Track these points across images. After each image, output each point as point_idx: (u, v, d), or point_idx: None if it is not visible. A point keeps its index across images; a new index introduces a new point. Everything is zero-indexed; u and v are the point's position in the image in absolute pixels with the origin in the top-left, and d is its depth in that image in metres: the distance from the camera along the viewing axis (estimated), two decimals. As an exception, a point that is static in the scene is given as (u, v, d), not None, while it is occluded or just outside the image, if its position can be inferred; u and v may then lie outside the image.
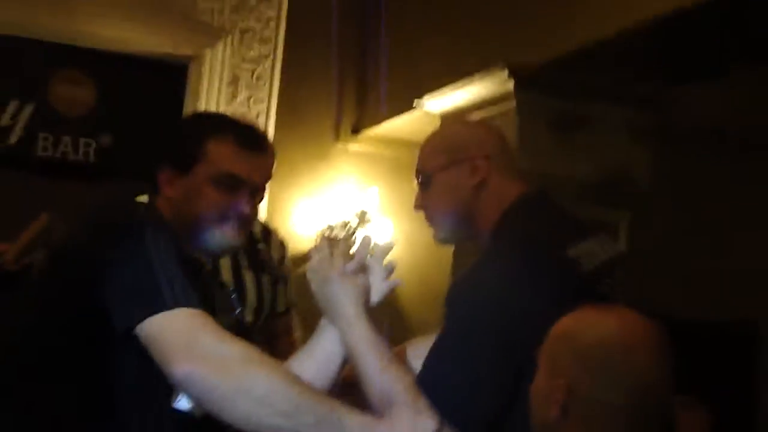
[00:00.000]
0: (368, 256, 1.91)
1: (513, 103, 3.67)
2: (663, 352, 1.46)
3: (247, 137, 1.92)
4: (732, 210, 5.28)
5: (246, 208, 1.89)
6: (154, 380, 1.74)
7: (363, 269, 1.88)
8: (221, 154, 1.88)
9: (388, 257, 1.97)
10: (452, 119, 4.05)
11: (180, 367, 1.59)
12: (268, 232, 2.88)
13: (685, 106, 3.85)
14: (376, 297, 1.90)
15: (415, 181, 2.04)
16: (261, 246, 2.74)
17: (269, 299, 2.73)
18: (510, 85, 3.65)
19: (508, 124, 3.64)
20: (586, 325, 1.48)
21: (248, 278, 2.72)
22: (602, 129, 3.74)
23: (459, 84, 3.90)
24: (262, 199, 1.96)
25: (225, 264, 2.70)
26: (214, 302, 1.81)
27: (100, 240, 1.72)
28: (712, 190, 5.24)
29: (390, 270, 1.92)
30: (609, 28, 3.15)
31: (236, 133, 1.91)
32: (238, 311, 2.17)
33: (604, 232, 1.95)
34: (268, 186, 1.98)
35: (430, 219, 2.02)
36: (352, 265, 1.87)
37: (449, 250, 2.51)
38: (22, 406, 1.73)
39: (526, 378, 1.61)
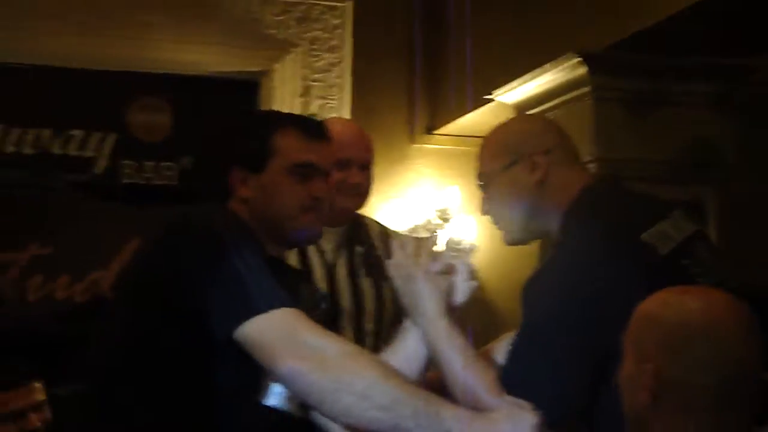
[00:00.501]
0: (452, 256, 1.92)
1: (587, 88, 3.63)
2: (750, 329, 1.43)
3: (310, 127, 1.99)
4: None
5: (323, 192, 1.94)
6: (248, 380, 1.80)
7: (447, 270, 1.89)
8: (291, 146, 1.94)
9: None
10: (527, 109, 4.02)
11: (282, 364, 1.63)
12: (386, 235, 2.85)
13: (763, 75, 3.75)
14: (460, 297, 1.91)
15: (478, 186, 2.02)
16: (379, 252, 2.73)
17: (390, 306, 2.72)
18: (582, 70, 3.61)
19: (584, 110, 3.61)
20: (669, 307, 1.46)
21: (366, 285, 2.70)
22: (680, 106, 3.67)
23: (532, 74, 3.87)
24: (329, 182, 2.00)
25: (341, 271, 2.69)
26: (298, 299, 1.84)
27: (184, 250, 1.75)
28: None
29: (471, 270, 1.92)
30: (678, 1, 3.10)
31: (298, 124, 1.98)
32: (322, 307, 2.19)
33: (678, 210, 1.91)
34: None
35: (497, 222, 2.01)
36: (437, 265, 1.89)
37: (535, 244, 2.50)
38: (121, 416, 1.76)
39: (612, 366, 1.60)
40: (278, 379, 1.67)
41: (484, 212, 2.03)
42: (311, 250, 2.70)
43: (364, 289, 2.70)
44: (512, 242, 2.03)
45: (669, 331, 1.43)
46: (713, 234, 3.70)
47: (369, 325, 2.66)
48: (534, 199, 1.93)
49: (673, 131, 3.65)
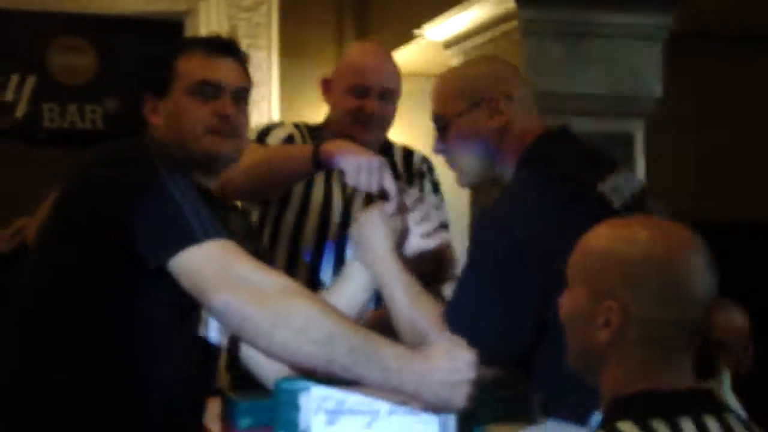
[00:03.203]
0: (412, 208, 1.93)
1: (516, 22, 3.61)
2: (706, 256, 1.42)
3: (213, 44, 1.94)
4: (747, 108, 5.23)
5: (228, 110, 1.88)
6: (180, 311, 1.76)
7: (401, 210, 1.91)
8: (191, 66, 1.89)
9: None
10: (455, 45, 3.99)
11: (217, 298, 1.60)
12: (413, 165, 2.73)
13: (694, 7, 3.77)
14: (409, 251, 1.94)
15: (433, 125, 1.98)
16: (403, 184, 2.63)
17: None
18: (510, 3, 3.58)
19: (514, 44, 3.59)
20: (627, 242, 1.42)
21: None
22: (610, 38, 3.67)
23: (458, 8, 3.83)
24: (246, 106, 1.95)
25: (358, 203, 2.60)
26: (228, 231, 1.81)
27: (113, 179, 1.70)
28: (725, 91, 5.19)
29: (428, 231, 1.94)
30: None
31: (202, 44, 1.94)
32: (253, 242, 2.15)
33: (627, 167, 1.91)
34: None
35: (451, 163, 1.98)
36: (390, 206, 1.90)
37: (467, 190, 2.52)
38: (51, 347, 1.74)
39: (554, 309, 1.59)
40: (212, 313, 1.64)
41: (437, 152, 1.99)
42: (334, 179, 2.62)
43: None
44: (466, 184, 2.01)
45: (632, 266, 1.39)
46: (641, 166, 3.74)
47: None
48: (491, 144, 1.90)
49: (604, 64, 3.66)
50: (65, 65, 4.65)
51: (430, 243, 1.97)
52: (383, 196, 1.97)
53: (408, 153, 2.78)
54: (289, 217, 2.62)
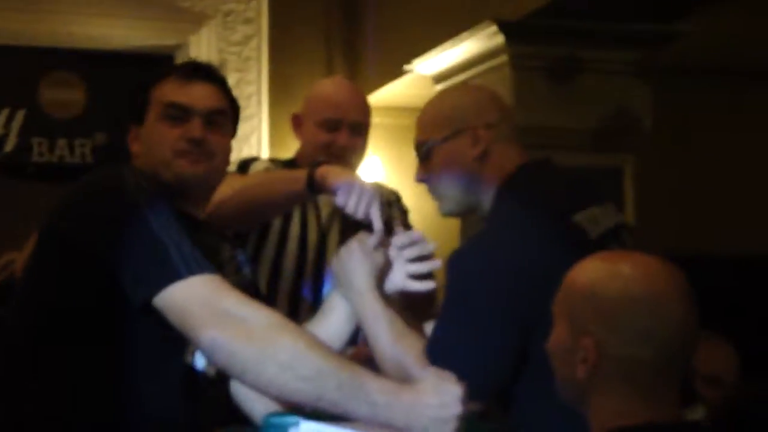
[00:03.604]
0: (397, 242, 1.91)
1: (505, 57, 3.63)
2: (689, 296, 1.42)
3: (186, 69, 1.95)
4: (735, 144, 5.26)
5: (196, 133, 1.88)
6: (166, 341, 1.74)
7: (383, 245, 1.89)
8: (163, 91, 1.91)
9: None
10: (445, 80, 4.01)
11: (204, 333, 1.58)
12: (388, 202, 2.73)
13: (682, 42, 3.80)
14: (390, 288, 1.90)
15: (415, 153, 1.99)
16: None
17: None
18: (500, 38, 3.60)
19: (503, 78, 3.61)
20: (607, 278, 1.42)
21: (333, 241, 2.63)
22: (599, 74, 3.69)
23: (448, 44, 3.86)
24: (222, 128, 1.94)
25: (333, 238, 2.61)
26: (219, 262, 1.79)
27: (92, 215, 1.68)
28: (715, 126, 5.22)
29: (416, 272, 1.90)
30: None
31: (176, 70, 1.95)
32: (245, 272, 2.13)
33: (609, 200, 1.91)
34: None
35: (433, 191, 1.98)
36: (372, 240, 1.87)
37: (457, 219, 2.52)
38: (35, 381, 1.72)
39: (536, 340, 1.59)
40: (199, 349, 1.63)
41: (419, 179, 1.99)
42: (310, 212, 2.62)
43: (328, 246, 2.63)
44: (447, 213, 2.01)
45: (609, 305, 1.40)
46: (630, 201, 3.75)
47: None
48: (471, 173, 1.91)
49: (593, 99, 3.67)
50: (55, 99, 4.65)
51: (418, 286, 1.92)
52: (367, 225, 1.95)
53: (377, 185, 2.77)
54: (268, 252, 2.62)
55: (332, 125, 2.58)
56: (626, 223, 1.94)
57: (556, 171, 1.95)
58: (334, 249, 2.59)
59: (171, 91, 1.90)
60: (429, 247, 1.93)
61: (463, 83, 3.74)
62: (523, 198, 1.83)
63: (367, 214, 1.97)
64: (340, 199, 2.02)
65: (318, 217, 2.64)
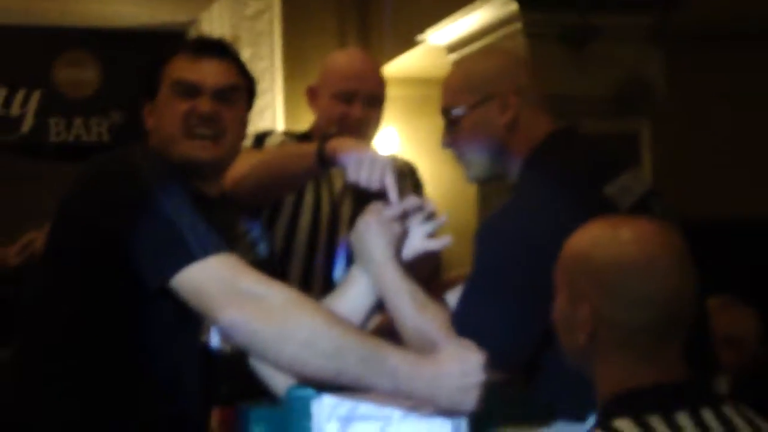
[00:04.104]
0: (411, 209, 1.90)
1: (519, 25, 3.61)
2: (683, 259, 1.41)
3: (196, 45, 1.95)
4: (751, 108, 5.22)
5: (204, 108, 1.87)
6: (185, 322, 1.75)
7: (402, 216, 1.87)
8: (174, 67, 1.90)
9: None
10: (459, 50, 4.00)
11: (223, 314, 1.58)
12: (402, 174, 2.67)
13: (697, 6, 3.77)
14: (409, 253, 1.89)
15: (443, 118, 1.96)
16: None
17: None
18: (513, 6, 3.58)
19: (517, 46, 3.59)
20: (600, 244, 1.43)
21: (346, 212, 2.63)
22: (612, 39, 3.67)
23: (461, 13, 3.84)
24: (234, 104, 1.93)
25: (345, 211, 2.61)
26: (234, 240, 1.80)
27: (106, 199, 1.69)
28: (731, 89, 5.18)
29: (432, 232, 1.90)
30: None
31: (188, 46, 1.95)
32: (260, 249, 2.13)
33: (636, 166, 1.90)
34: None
35: (460, 157, 1.96)
36: (390, 211, 1.86)
37: (473, 186, 2.51)
38: (52, 362, 1.74)
39: None
40: (219, 330, 1.64)
41: (445, 145, 1.97)
42: (324, 185, 2.61)
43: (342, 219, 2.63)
44: (474, 179, 2.00)
45: (602, 270, 1.40)
46: (647, 166, 3.74)
47: None
48: (501, 139, 1.89)
49: (607, 65, 3.66)
50: (70, 79, 4.65)
51: (434, 244, 1.91)
52: (382, 195, 1.94)
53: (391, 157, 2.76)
54: (281, 226, 2.62)
55: (347, 97, 2.57)
56: (654, 188, 1.92)
57: (581, 140, 1.94)
58: (347, 222, 2.60)
59: (180, 68, 1.90)
60: (429, 207, 1.91)
61: (489, 48, 3.71)
62: (553, 169, 1.82)
63: (382, 186, 1.96)
64: (351, 173, 2.00)
65: (331, 190, 2.63)
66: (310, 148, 2.19)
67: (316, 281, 2.61)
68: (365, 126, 2.60)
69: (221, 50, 1.95)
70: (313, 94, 2.69)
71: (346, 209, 2.63)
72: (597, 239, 1.44)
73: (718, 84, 5.15)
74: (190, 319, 1.72)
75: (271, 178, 2.33)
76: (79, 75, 4.67)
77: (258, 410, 1.83)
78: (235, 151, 1.97)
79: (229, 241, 1.70)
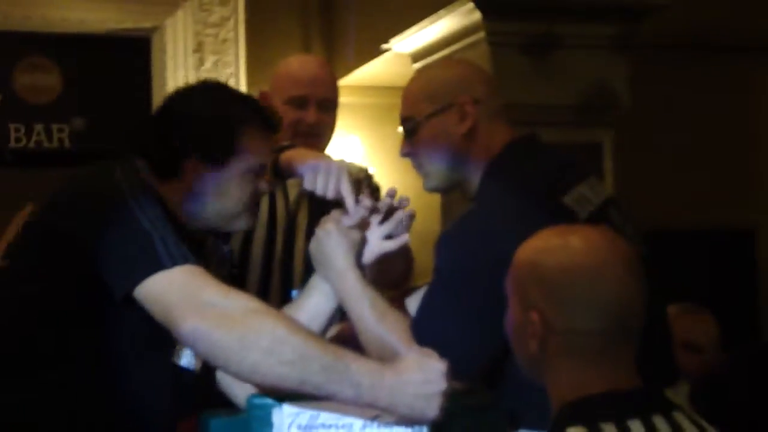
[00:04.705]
0: (367, 213, 1.90)
1: (482, 34, 3.63)
2: (631, 266, 1.42)
3: (270, 121, 1.90)
4: (711, 119, 5.28)
5: (266, 189, 1.91)
6: (153, 341, 1.75)
7: (360, 225, 1.87)
8: (255, 147, 1.85)
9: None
10: (423, 58, 4.01)
11: (185, 323, 1.58)
12: (358, 181, 2.61)
13: (661, 17, 3.80)
14: (369, 256, 1.89)
15: (401, 128, 1.96)
16: None
17: None
18: (476, 15, 3.60)
19: (481, 55, 3.60)
20: (549, 251, 1.43)
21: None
22: (576, 49, 3.69)
23: (426, 21, 3.85)
24: None
25: (302, 222, 2.58)
26: (205, 258, 1.80)
27: (81, 208, 1.70)
28: (692, 101, 5.24)
29: (388, 231, 1.90)
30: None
31: (262, 119, 1.88)
32: (228, 268, 2.11)
33: (593, 174, 1.90)
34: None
35: (419, 167, 1.95)
36: (348, 219, 1.86)
37: (437, 195, 2.52)
38: (23, 380, 1.72)
39: None
40: (181, 339, 1.63)
41: (404, 154, 1.96)
42: (279, 195, 2.58)
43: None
44: (431, 189, 1.99)
45: (551, 277, 1.41)
46: (609, 175, 3.76)
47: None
48: (458, 149, 1.88)
49: (571, 75, 3.68)
50: (30, 85, 4.61)
51: (392, 245, 1.92)
52: (337, 204, 1.93)
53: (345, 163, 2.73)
54: (236, 239, 2.58)
55: (299, 102, 2.55)
56: (613, 197, 1.93)
57: (542, 147, 1.94)
58: (303, 231, 2.59)
59: (261, 150, 1.86)
60: (384, 205, 1.91)
61: (449, 57, 3.72)
62: (512, 178, 1.82)
63: (338, 194, 1.96)
64: (307, 182, 2.00)
65: (286, 199, 2.61)
66: None
67: (273, 292, 2.58)
68: (320, 130, 2.58)
69: (280, 125, 1.97)
70: (265, 101, 2.67)
71: (302, 218, 2.61)
72: (545, 247, 1.45)
73: (679, 94, 5.20)
74: (161, 336, 1.71)
75: None
76: (40, 81, 4.63)
77: (218, 419, 1.81)
78: None
79: (201, 258, 1.71)
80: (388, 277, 1.91)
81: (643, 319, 1.43)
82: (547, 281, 1.42)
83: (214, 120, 1.84)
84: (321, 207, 2.13)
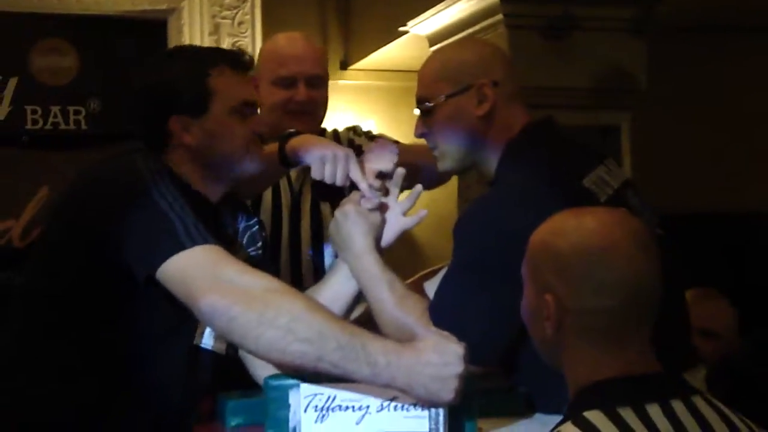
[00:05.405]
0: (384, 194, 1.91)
1: (500, 16, 3.61)
2: (645, 246, 1.41)
3: (240, 62, 1.92)
4: (729, 101, 5.25)
5: (260, 127, 1.92)
6: (175, 324, 1.79)
7: (378, 206, 1.88)
8: (229, 85, 1.87)
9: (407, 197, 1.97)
10: (441, 41, 3.99)
11: (204, 299, 1.59)
12: (322, 134, 2.60)
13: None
14: (389, 235, 1.91)
15: (417, 108, 1.94)
16: None
17: None
18: (495, -3, 3.58)
19: (498, 38, 3.59)
20: (562, 234, 1.43)
21: (327, 210, 2.58)
22: (594, 32, 3.67)
23: (443, 4, 3.83)
24: None
25: (306, 198, 2.58)
26: (226, 239, 1.81)
27: (102, 195, 1.73)
28: (710, 83, 5.20)
29: (407, 208, 1.91)
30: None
31: (229, 60, 1.91)
32: (258, 247, 2.11)
33: (609, 157, 1.89)
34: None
35: (434, 147, 1.94)
36: (368, 202, 1.87)
37: (455, 177, 2.52)
38: (46, 364, 1.77)
39: None
40: (199, 316, 1.64)
41: (419, 135, 1.95)
42: (282, 180, 2.57)
43: (325, 216, 2.59)
44: (446, 170, 1.98)
45: (563, 259, 1.41)
46: (627, 159, 3.75)
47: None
48: (476, 132, 1.86)
49: (588, 57, 3.66)
50: (47, 67, 4.61)
51: (410, 221, 1.94)
52: (348, 189, 1.94)
53: (336, 135, 2.69)
54: None
55: (288, 82, 2.52)
56: (630, 180, 1.92)
57: (558, 132, 1.93)
58: (307, 213, 2.59)
59: (239, 87, 1.89)
60: (398, 179, 1.94)
61: (468, 38, 3.70)
62: (531, 161, 1.80)
63: (347, 181, 1.96)
64: (315, 172, 2.00)
65: (290, 183, 2.60)
66: (271, 149, 2.16)
67: (282, 276, 2.57)
68: (311, 108, 2.54)
69: (252, 64, 1.98)
70: (254, 84, 2.64)
71: (305, 201, 2.60)
72: (559, 229, 1.45)
73: (697, 77, 5.17)
74: (182, 318, 1.73)
75: (241, 185, 2.30)
76: (57, 63, 4.62)
77: (235, 401, 1.82)
78: None
79: (226, 241, 1.74)
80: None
81: (657, 301, 1.42)
82: (560, 262, 1.41)
83: (180, 72, 1.89)
84: (325, 188, 2.12)
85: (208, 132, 1.86)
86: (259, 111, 1.99)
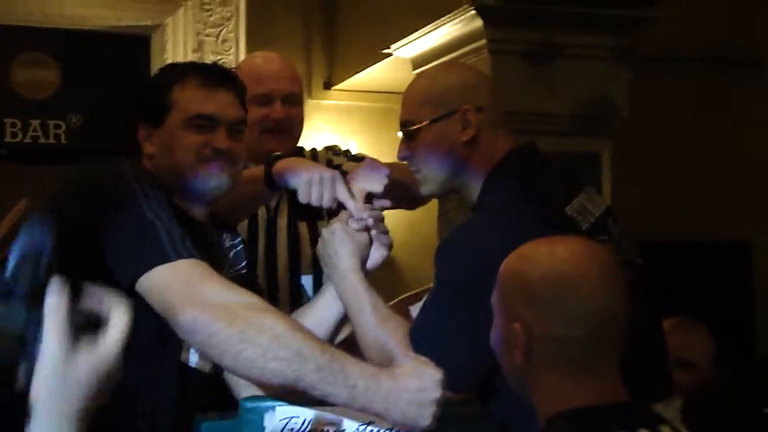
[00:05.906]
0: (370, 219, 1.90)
1: (483, 41, 3.62)
2: (612, 276, 1.42)
3: (210, 76, 1.92)
4: (708, 131, 5.29)
5: (221, 143, 1.87)
6: (159, 336, 1.74)
7: (365, 228, 1.88)
8: (189, 98, 1.88)
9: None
10: (424, 64, 4.00)
11: (184, 313, 1.58)
12: (299, 152, 2.61)
13: (660, 29, 3.80)
14: (375, 257, 1.91)
15: (400, 131, 1.94)
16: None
17: None
18: (478, 23, 3.59)
19: (481, 63, 3.60)
20: (531, 263, 1.43)
21: (304, 230, 2.58)
22: (576, 59, 3.69)
23: (428, 27, 3.85)
24: (242, 136, 1.94)
25: (282, 217, 2.57)
26: (212, 257, 1.80)
27: (88, 201, 1.72)
28: (690, 113, 5.25)
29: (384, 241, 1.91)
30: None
31: (198, 74, 1.91)
32: (241, 266, 2.10)
33: (591, 185, 1.90)
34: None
35: (416, 171, 1.94)
36: (354, 223, 1.87)
37: (434, 200, 2.51)
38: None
39: None
40: (179, 330, 1.62)
41: (401, 158, 1.95)
42: None
43: (301, 235, 2.59)
44: (428, 194, 1.98)
45: (531, 287, 1.41)
46: (607, 186, 3.76)
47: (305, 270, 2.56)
48: (459, 157, 1.86)
49: (571, 84, 3.68)
50: (28, 80, 4.60)
51: (383, 255, 1.93)
52: (333, 211, 1.93)
53: (314, 154, 2.69)
54: None
55: (263, 100, 2.52)
56: (609, 208, 1.92)
57: (541, 158, 1.93)
58: (284, 231, 2.58)
59: (197, 101, 1.88)
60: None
61: (452, 62, 3.72)
62: (514, 188, 1.80)
63: (335, 202, 1.95)
64: (302, 195, 2.00)
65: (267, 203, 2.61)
66: (257, 172, 2.15)
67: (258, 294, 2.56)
68: (287, 125, 2.55)
69: (232, 81, 1.95)
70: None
71: (282, 219, 2.60)
72: (528, 258, 1.45)
73: (678, 106, 5.21)
74: (165, 334, 1.70)
75: (226, 207, 2.29)
76: (38, 76, 4.61)
77: (210, 422, 1.80)
78: (238, 180, 1.97)
79: (212, 259, 1.71)
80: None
81: (626, 330, 1.43)
82: (529, 290, 1.42)
83: (151, 82, 1.97)
84: (303, 208, 2.12)
85: (163, 143, 1.88)
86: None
